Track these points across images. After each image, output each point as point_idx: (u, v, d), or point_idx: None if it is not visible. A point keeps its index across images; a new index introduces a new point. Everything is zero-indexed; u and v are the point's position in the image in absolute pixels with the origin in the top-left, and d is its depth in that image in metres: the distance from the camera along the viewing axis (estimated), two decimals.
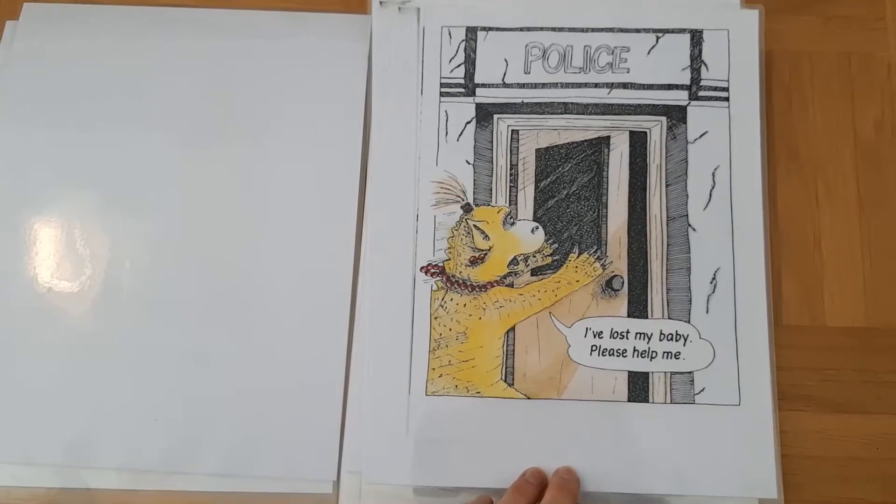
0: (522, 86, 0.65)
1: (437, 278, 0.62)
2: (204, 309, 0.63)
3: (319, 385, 0.61)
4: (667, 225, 0.62)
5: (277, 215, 0.64)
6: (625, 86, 0.65)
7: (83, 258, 0.64)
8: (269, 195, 0.65)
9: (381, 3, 0.67)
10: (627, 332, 0.61)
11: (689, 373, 0.60)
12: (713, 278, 0.61)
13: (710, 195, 0.63)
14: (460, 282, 0.62)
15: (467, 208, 0.63)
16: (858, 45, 0.67)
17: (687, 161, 0.63)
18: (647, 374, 0.60)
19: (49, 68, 0.68)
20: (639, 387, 0.60)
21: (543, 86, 0.65)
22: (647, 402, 0.60)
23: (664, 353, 0.60)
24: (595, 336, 0.61)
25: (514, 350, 0.61)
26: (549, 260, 0.62)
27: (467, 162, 0.64)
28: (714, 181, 0.63)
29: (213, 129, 0.66)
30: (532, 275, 0.62)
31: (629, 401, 0.60)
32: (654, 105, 0.64)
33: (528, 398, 0.60)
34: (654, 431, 0.59)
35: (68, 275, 0.64)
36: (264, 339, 0.62)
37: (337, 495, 0.60)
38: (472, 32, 0.66)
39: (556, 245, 0.62)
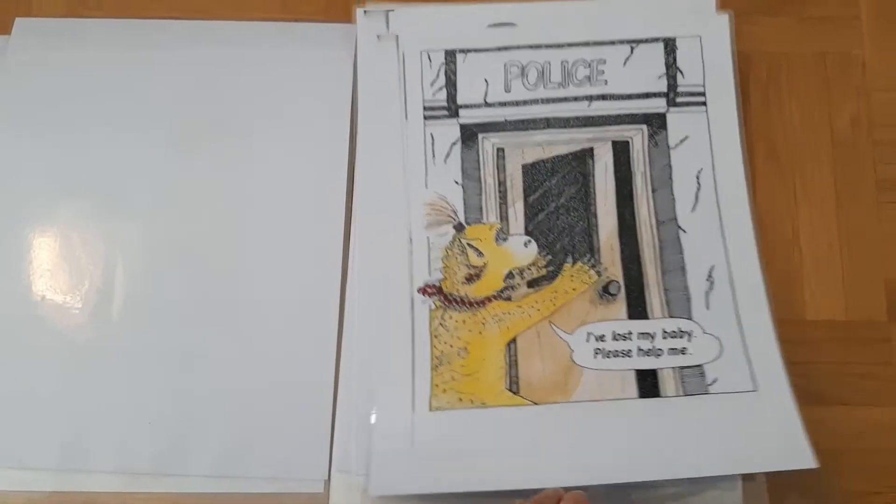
0: (504, 104, 0.66)
1: (435, 298, 0.62)
2: (194, 312, 0.62)
3: (309, 385, 0.61)
4: (657, 229, 0.63)
5: (266, 222, 0.65)
6: (604, 97, 0.66)
7: (74, 264, 0.64)
8: (258, 203, 0.65)
9: (364, 12, 0.68)
10: (630, 333, 0.60)
11: (699, 366, 0.59)
12: (709, 276, 0.61)
13: (697, 197, 0.63)
14: (458, 299, 0.62)
15: (459, 227, 0.64)
16: (833, 45, 0.69)
17: (670, 166, 0.64)
18: (655, 370, 0.59)
19: (41, 82, 0.68)
20: (648, 383, 0.59)
21: (525, 103, 0.66)
22: (659, 396, 0.59)
23: (670, 349, 0.60)
24: (597, 340, 0.60)
25: (517, 360, 0.60)
26: (544, 271, 0.62)
27: (456, 182, 0.64)
28: (699, 183, 0.64)
29: (201, 141, 0.66)
30: (529, 287, 0.62)
31: (640, 397, 0.59)
32: (633, 114, 0.65)
33: (536, 404, 0.59)
34: (670, 423, 0.58)
35: (60, 280, 0.63)
36: (253, 341, 0.62)
37: (328, 494, 0.59)
38: (450, 55, 0.67)
39: (549, 256, 0.63)
